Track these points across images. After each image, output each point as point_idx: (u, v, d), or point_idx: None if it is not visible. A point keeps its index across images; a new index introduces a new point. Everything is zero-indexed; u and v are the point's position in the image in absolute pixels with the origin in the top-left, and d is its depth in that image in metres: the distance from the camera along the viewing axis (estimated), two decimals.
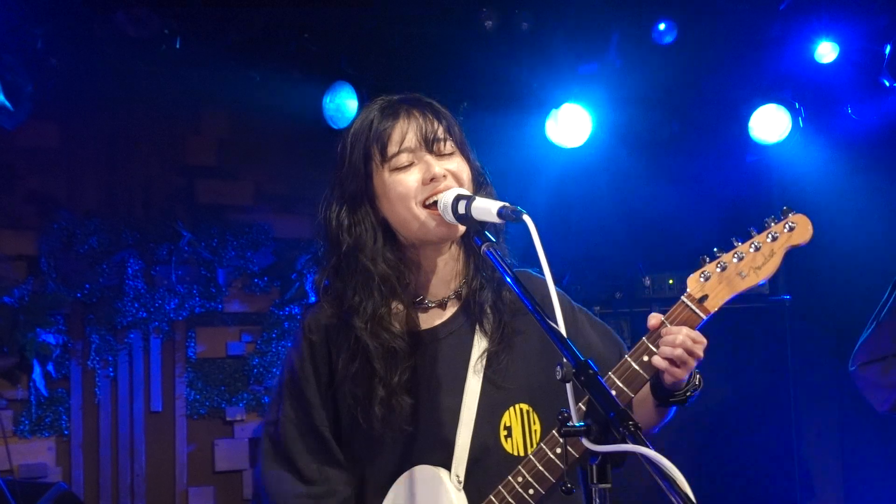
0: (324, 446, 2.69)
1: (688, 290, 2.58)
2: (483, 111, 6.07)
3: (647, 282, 6.54)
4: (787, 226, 2.56)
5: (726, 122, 6.59)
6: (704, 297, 2.55)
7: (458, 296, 2.71)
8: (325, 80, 5.95)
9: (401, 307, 2.66)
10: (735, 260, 2.56)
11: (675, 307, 2.58)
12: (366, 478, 2.70)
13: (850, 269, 6.52)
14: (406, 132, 2.61)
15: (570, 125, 6.30)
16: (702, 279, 2.56)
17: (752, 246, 2.56)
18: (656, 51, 6.17)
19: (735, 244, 2.58)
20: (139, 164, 6.31)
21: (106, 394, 6.27)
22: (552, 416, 2.64)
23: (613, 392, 2.36)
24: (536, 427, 2.70)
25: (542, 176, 6.70)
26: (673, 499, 1.76)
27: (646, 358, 2.54)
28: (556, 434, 2.55)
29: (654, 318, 2.57)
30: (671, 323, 2.55)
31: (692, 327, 2.55)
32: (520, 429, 2.68)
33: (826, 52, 6.13)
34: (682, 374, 2.53)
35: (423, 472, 2.64)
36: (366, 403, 2.62)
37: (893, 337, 4.13)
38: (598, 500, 1.94)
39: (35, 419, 6.09)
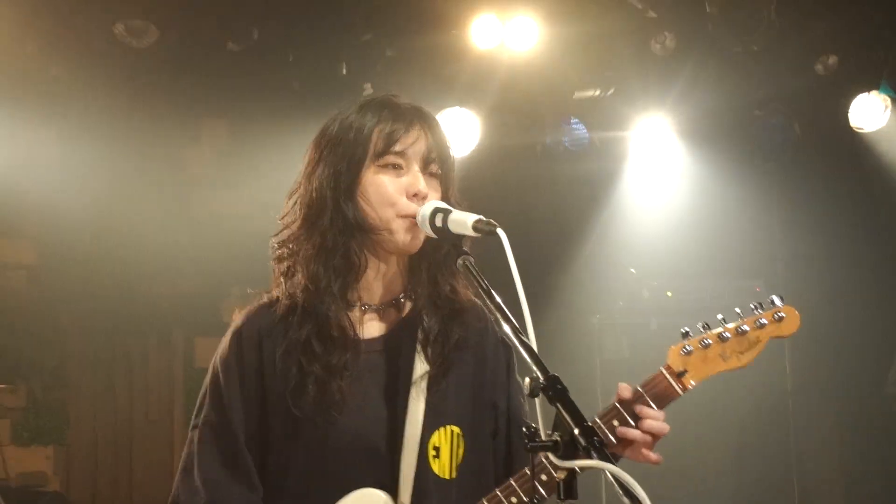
0: (238, 455, 2.59)
1: (668, 361, 2.55)
2: None
3: (646, 293, 6.53)
4: (776, 315, 2.56)
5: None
6: (683, 373, 2.53)
7: (396, 306, 2.67)
8: None
9: (345, 305, 2.61)
10: (719, 340, 2.54)
11: (653, 377, 2.54)
12: (298, 492, 2.59)
13: (849, 283, 6.52)
14: (413, 142, 2.59)
15: None
16: (683, 353, 2.54)
17: (739, 329, 2.55)
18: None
19: (722, 324, 2.57)
20: None
21: (105, 402, 6.29)
22: (477, 443, 2.64)
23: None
24: (461, 451, 2.64)
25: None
26: None
27: (616, 423, 2.50)
28: (514, 482, 2.50)
29: (626, 391, 2.52)
30: (647, 392, 2.51)
31: (668, 400, 2.53)
32: (448, 450, 2.63)
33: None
34: (660, 457, 2.52)
35: (366, 496, 2.56)
36: (298, 383, 2.55)
37: None
38: None
39: (33, 428, 6.11)
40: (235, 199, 6.66)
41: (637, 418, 2.50)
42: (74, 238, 6.15)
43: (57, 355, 6.13)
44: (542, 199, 6.94)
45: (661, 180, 6.92)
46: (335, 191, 2.59)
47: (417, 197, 2.55)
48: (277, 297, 2.65)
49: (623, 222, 7.00)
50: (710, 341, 2.54)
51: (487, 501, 2.53)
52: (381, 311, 2.67)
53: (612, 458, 1.90)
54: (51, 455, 6.20)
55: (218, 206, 6.63)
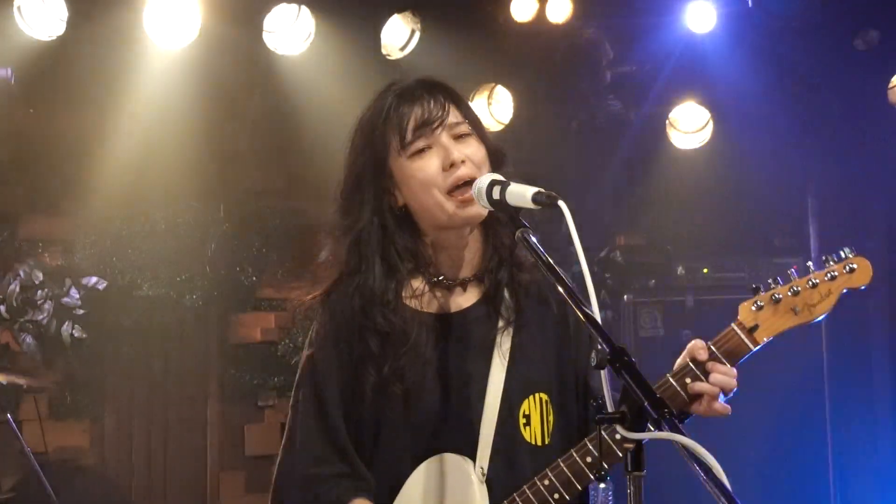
0: (336, 434, 2.65)
1: (739, 317, 2.56)
2: None
3: (681, 270, 6.49)
4: (847, 267, 2.55)
5: None
6: (755, 327, 2.53)
7: (478, 278, 2.70)
8: None
9: (422, 285, 2.66)
10: (790, 294, 2.53)
11: (724, 333, 2.55)
12: (382, 459, 2.66)
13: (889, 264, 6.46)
14: (423, 116, 2.59)
15: None
16: (754, 308, 2.54)
17: (810, 282, 2.54)
18: None
19: (791, 278, 2.56)
20: None
21: (140, 378, 6.32)
22: (563, 408, 2.69)
23: None
24: (551, 418, 2.68)
25: None
26: (709, 488, 1.74)
27: (688, 380, 2.52)
28: (589, 442, 2.55)
29: (702, 350, 2.53)
30: (720, 349, 2.53)
31: (740, 356, 2.55)
32: (538, 418, 2.66)
33: None
34: (729, 408, 2.53)
35: (448, 461, 2.61)
36: (385, 381, 2.60)
37: None
38: (632, 488, 1.92)
39: (70, 402, 6.14)
40: (268, 176, 6.66)
41: (707, 374, 2.52)
42: (109, 217, 6.16)
43: (93, 331, 6.14)
44: (574, 176, 6.91)
45: (697, 157, 6.87)
46: (364, 196, 2.64)
47: (455, 166, 2.55)
48: (348, 282, 2.68)
49: (658, 200, 6.96)
50: (781, 296, 2.54)
51: (563, 462, 2.56)
52: (464, 285, 2.69)
53: (681, 420, 1.90)
54: (87, 429, 6.23)
55: (251, 183, 6.63)
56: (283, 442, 2.71)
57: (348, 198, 2.66)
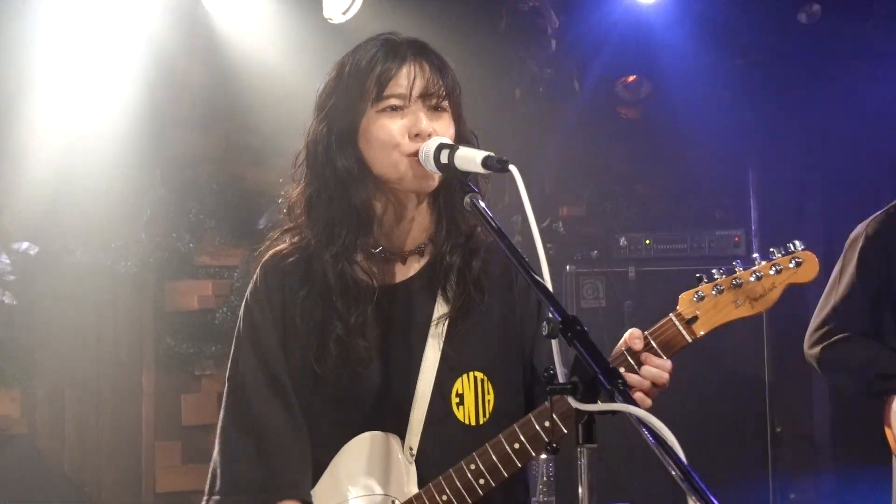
0: (283, 392, 2.62)
1: (678, 307, 2.48)
2: None
3: (623, 242, 6.49)
4: (793, 261, 2.46)
5: None
6: (694, 319, 2.46)
7: (420, 251, 2.64)
8: None
9: (362, 254, 2.60)
10: (733, 285, 2.45)
11: (662, 323, 2.48)
12: (314, 438, 2.62)
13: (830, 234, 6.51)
14: (408, 79, 2.52)
15: None
16: (695, 299, 2.46)
17: (754, 275, 2.45)
18: None
19: (736, 269, 2.48)
20: None
21: (73, 346, 6.19)
22: (506, 387, 2.62)
23: None
24: (490, 397, 2.62)
25: None
26: (663, 459, 1.70)
27: (622, 370, 2.43)
28: (518, 429, 2.49)
29: (637, 340, 2.45)
30: (655, 340, 2.46)
31: (676, 348, 2.47)
32: (472, 396, 2.60)
33: None
34: (649, 402, 2.45)
35: (376, 439, 2.57)
36: (320, 342, 2.56)
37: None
38: (584, 461, 1.88)
39: None
40: (206, 141, 6.55)
41: (640, 365, 2.45)
42: (40, 180, 6.00)
43: (24, 297, 6.00)
44: (516, 146, 6.87)
45: (639, 129, 6.88)
46: (329, 141, 2.55)
47: (420, 137, 2.49)
48: (291, 247, 2.64)
49: (600, 171, 6.96)
50: (723, 287, 2.46)
51: (490, 447, 2.49)
52: (404, 258, 2.63)
53: (633, 399, 1.85)
54: (17, 398, 6.09)
55: (188, 148, 6.51)
56: (226, 410, 2.68)
57: (324, 141, 2.57)
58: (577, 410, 1.91)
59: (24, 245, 6.00)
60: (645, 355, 2.45)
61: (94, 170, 6.10)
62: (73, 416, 6.19)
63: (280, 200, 2.70)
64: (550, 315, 1.98)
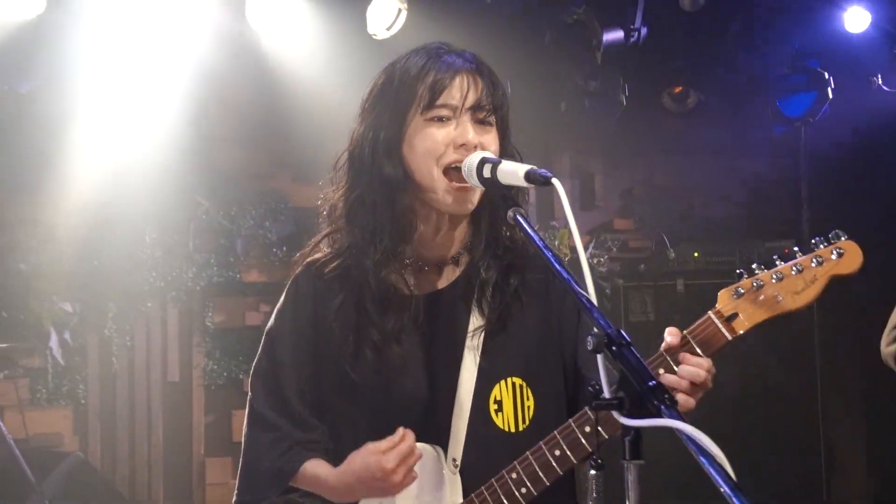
0: (286, 407, 2.64)
1: (717, 304, 2.38)
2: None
3: (672, 254, 6.43)
4: (834, 251, 2.33)
5: (753, 93, 6.47)
6: (734, 316, 2.36)
7: (455, 261, 2.62)
8: None
9: (398, 264, 2.58)
10: (773, 280, 2.34)
11: (700, 322, 2.39)
12: (349, 448, 2.58)
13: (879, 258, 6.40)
14: (461, 91, 2.51)
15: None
16: (734, 295, 2.36)
17: (795, 268, 2.33)
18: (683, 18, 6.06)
19: (777, 263, 2.36)
20: None
21: (123, 363, 6.24)
22: (547, 393, 2.59)
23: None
24: (530, 403, 2.59)
25: None
26: (712, 476, 1.66)
27: (661, 371, 2.38)
28: (559, 435, 2.45)
29: (674, 337, 2.38)
30: (694, 338, 2.38)
31: (716, 346, 2.38)
32: (511, 402, 2.57)
33: (856, 19, 6.00)
34: (692, 403, 2.37)
35: (420, 450, 2.53)
36: (356, 349, 2.55)
37: None
38: (631, 477, 1.85)
39: (52, 388, 6.06)
40: (253, 158, 6.58)
41: (678, 365, 2.38)
42: (89, 198, 6.05)
43: (75, 315, 6.05)
44: (563, 159, 6.84)
45: (689, 141, 6.83)
46: (375, 146, 2.54)
47: (465, 147, 2.47)
48: (329, 254, 2.63)
49: (649, 184, 6.92)
50: (763, 282, 2.35)
51: (531, 455, 2.48)
52: (439, 268, 2.62)
53: (681, 415, 1.81)
54: (69, 415, 6.15)
55: (236, 165, 6.55)
56: (248, 412, 2.72)
57: (371, 145, 2.55)
58: (624, 426, 1.87)
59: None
60: (682, 355, 2.37)
61: (141, 188, 6.16)
62: (124, 433, 6.23)
63: (319, 202, 2.68)
64: (596, 329, 1.95)
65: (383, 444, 2.47)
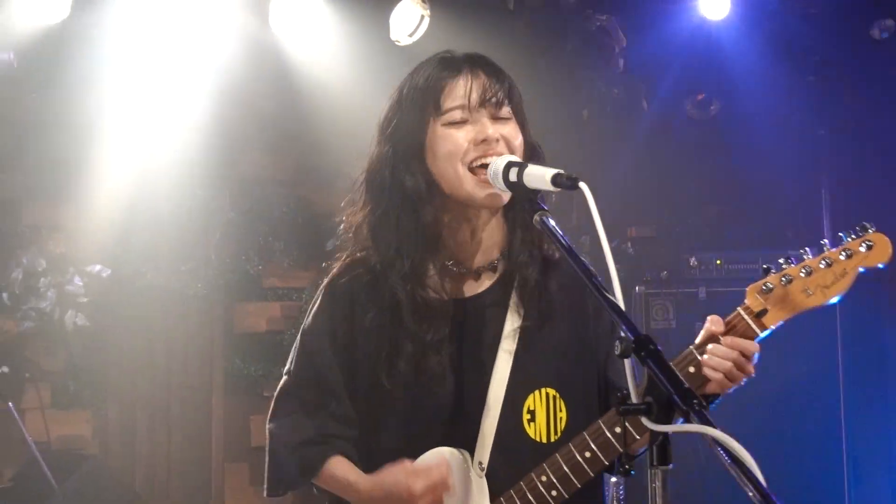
0: (331, 399, 2.62)
1: (746, 300, 2.38)
2: None
3: (694, 262, 6.40)
4: (863, 244, 2.33)
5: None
6: (763, 312, 2.35)
7: (492, 267, 2.62)
8: None
9: (433, 271, 2.57)
10: (802, 274, 2.33)
11: (730, 318, 2.38)
12: (379, 450, 2.60)
13: None
14: (465, 88, 2.52)
15: None
16: (763, 291, 2.36)
17: (823, 261, 2.33)
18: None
19: (804, 257, 2.36)
20: None
21: (143, 367, 6.25)
22: (579, 405, 2.58)
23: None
24: (562, 414, 2.58)
25: None
26: (741, 482, 1.65)
27: (692, 369, 2.39)
28: (588, 436, 2.45)
29: (717, 325, 2.38)
30: (723, 336, 2.38)
31: None
32: (544, 413, 2.56)
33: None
34: (729, 386, 2.38)
35: (445, 454, 2.54)
36: (391, 360, 2.54)
37: None
38: (658, 483, 1.83)
39: (73, 391, 6.08)
40: (275, 164, 6.59)
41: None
42: (113, 204, 6.08)
43: (96, 319, 6.08)
44: (584, 166, 6.81)
45: (704, 147, 6.80)
46: (395, 162, 2.55)
47: (486, 142, 2.47)
48: (360, 267, 2.63)
49: (670, 191, 6.89)
50: (792, 277, 2.34)
51: (561, 457, 2.47)
52: (477, 274, 2.62)
53: (711, 420, 1.80)
54: (89, 419, 6.17)
55: (258, 171, 6.57)
56: (276, 407, 2.70)
57: (389, 161, 2.56)
58: (652, 431, 1.86)
59: (97, 268, 6.08)
60: (710, 347, 2.38)
61: (164, 194, 6.18)
62: (143, 437, 6.24)
63: (341, 227, 2.68)
64: (623, 334, 1.94)
65: (419, 467, 2.48)
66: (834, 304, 2.39)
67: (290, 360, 2.70)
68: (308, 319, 2.67)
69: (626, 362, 1.94)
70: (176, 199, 6.22)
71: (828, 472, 6.11)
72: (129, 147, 5.95)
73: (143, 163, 6.04)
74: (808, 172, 6.90)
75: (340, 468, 2.59)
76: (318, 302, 2.66)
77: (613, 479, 2.83)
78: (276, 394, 2.71)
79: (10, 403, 5.18)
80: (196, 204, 6.28)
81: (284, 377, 2.70)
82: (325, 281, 2.68)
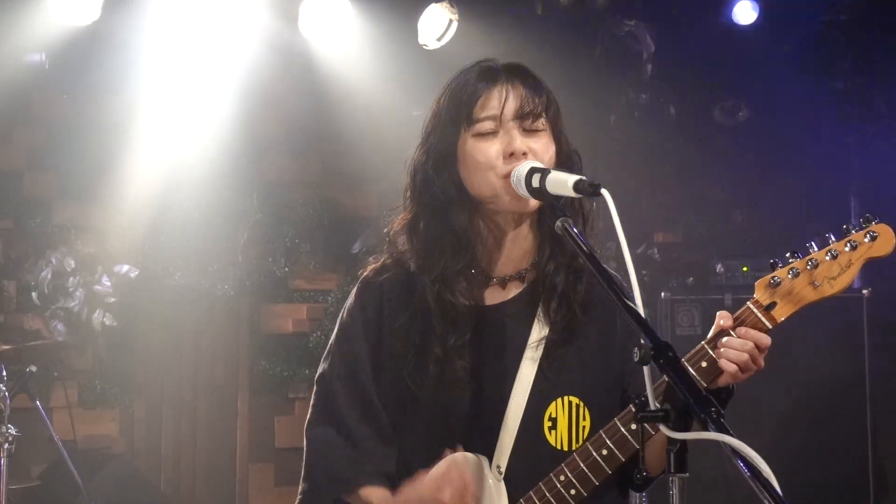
0: (369, 405, 2.62)
1: (755, 294, 2.40)
2: None
3: (720, 268, 6.39)
4: (868, 235, 2.36)
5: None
6: (773, 305, 2.37)
7: (520, 277, 2.62)
8: None
9: (462, 276, 2.58)
10: (809, 267, 2.36)
11: (739, 312, 2.40)
12: (400, 449, 2.61)
13: None
14: (500, 100, 2.51)
15: None
16: (771, 285, 2.38)
17: (829, 254, 2.36)
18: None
19: (811, 250, 2.39)
20: None
21: (170, 367, 6.29)
22: (603, 415, 2.54)
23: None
24: (585, 423, 2.57)
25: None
26: (758, 491, 1.65)
27: (704, 364, 2.39)
28: (604, 434, 2.45)
29: (727, 319, 2.40)
30: (734, 330, 2.39)
31: None
32: (566, 422, 2.56)
33: None
34: (741, 378, 2.38)
35: (460, 459, 2.52)
36: (419, 362, 2.55)
37: None
38: (675, 491, 1.84)
39: (100, 391, 6.12)
40: (302, 166, 6.62)
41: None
42: (141, 205, 6.12)
43: (123, 319, 6.12)
44: (611, 171, 6.81)
45: (732, 154, 6.78)
46: (428, 166, 2.57)
47: (514, 157, 2.47)
48: (394, 269, 2.65)
49: (697, 197, 6.87)
50: (799, 270, 2.37)
51: (578, 456, 2.48)
52: (505, 282, 2.62)
53: (728, 428, 1.80)
54: (116, 418, 6.22)
55: (285, 173, 6.60)
56: (317, 411, 2.68)
57: (424, 167, 2.58)
58: (670, 439, 1.87)
59: (125, 268, 6.13)
60: (722, 341, 2.39)
61: (192, 195, 6.23)
62: (169, 437, 6.29)
63: (386, 230, 2.68)
64: (642, 341, 1.95)
65: (435, 475, 2.48)
66: (860, 306, 2.42)
67: (325, 362, 2.69)
68: (345, 314, 2.68)
69: (645, 369, 1.94)
70: (204, 201, 6.27)
71: (853, 480, 6.07)
72: (158, 148, 6.00)
73: (171, 164, 6.08)
74: (836, 179, 6.86)
75: (371, 496, 2.57)
76: (353, 299, 2.67)
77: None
78: (314, 392, 2.69)
79: (37, 402, 5.22)
80: (223, 205, 6.32)
81: (320, 381, 2.69)
82: (361, 277, 2.70)
